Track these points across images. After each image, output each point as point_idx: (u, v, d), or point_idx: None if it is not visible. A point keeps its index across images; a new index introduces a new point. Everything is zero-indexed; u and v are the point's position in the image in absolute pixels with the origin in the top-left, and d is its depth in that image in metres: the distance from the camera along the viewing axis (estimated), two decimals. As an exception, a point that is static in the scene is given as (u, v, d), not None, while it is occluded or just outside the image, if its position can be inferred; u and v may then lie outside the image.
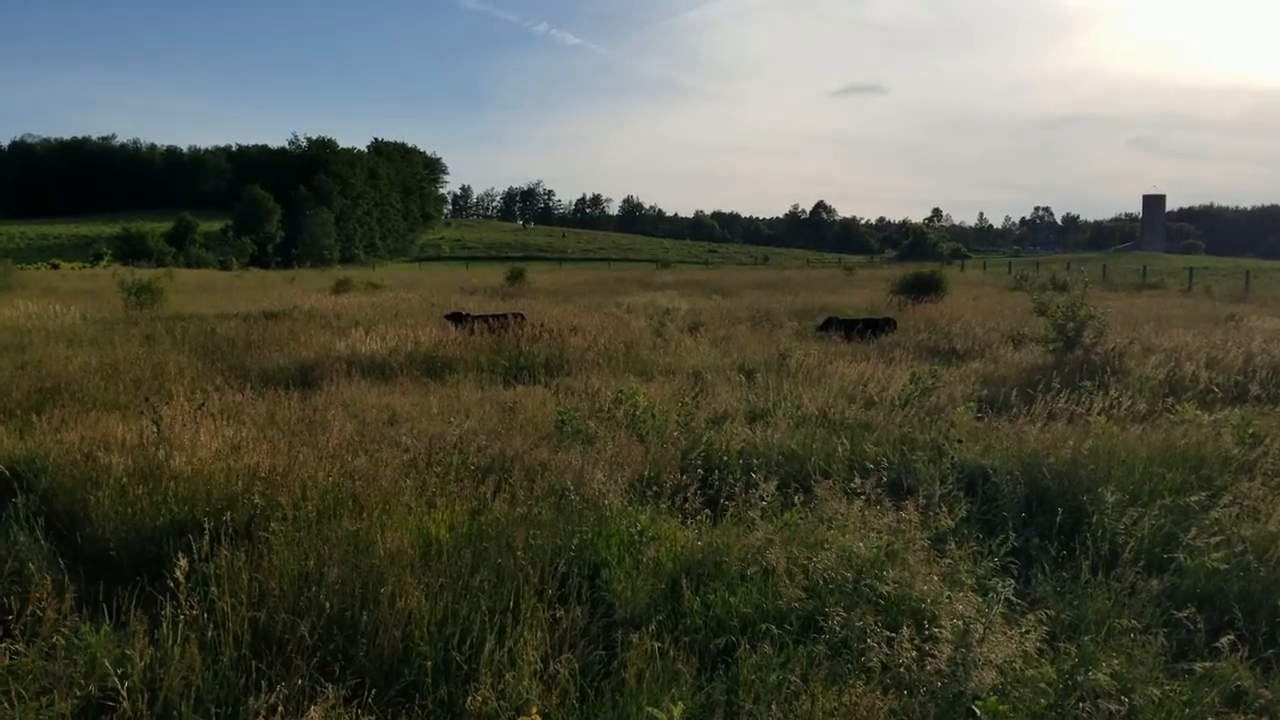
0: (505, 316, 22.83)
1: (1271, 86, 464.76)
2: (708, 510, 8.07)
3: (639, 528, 7.43)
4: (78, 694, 5.14)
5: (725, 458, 9.87)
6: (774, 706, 5.23)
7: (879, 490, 8.33)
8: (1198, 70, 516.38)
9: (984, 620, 5.78)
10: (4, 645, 5.47)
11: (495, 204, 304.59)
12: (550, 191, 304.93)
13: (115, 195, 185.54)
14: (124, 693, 5.00)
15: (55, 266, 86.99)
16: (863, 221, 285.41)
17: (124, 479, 8.17)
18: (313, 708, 4.89)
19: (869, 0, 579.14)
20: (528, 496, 8.18)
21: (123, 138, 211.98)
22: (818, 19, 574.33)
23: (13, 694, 5.03)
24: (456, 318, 22.97)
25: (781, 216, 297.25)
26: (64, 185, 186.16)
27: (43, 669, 5.33)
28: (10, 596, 6.15)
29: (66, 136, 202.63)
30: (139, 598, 6.11)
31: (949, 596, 6.28)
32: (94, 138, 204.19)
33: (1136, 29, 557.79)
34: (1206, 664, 5.86)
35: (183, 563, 5.96)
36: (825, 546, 7.07)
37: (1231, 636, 6.01)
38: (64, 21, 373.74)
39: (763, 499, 8.02)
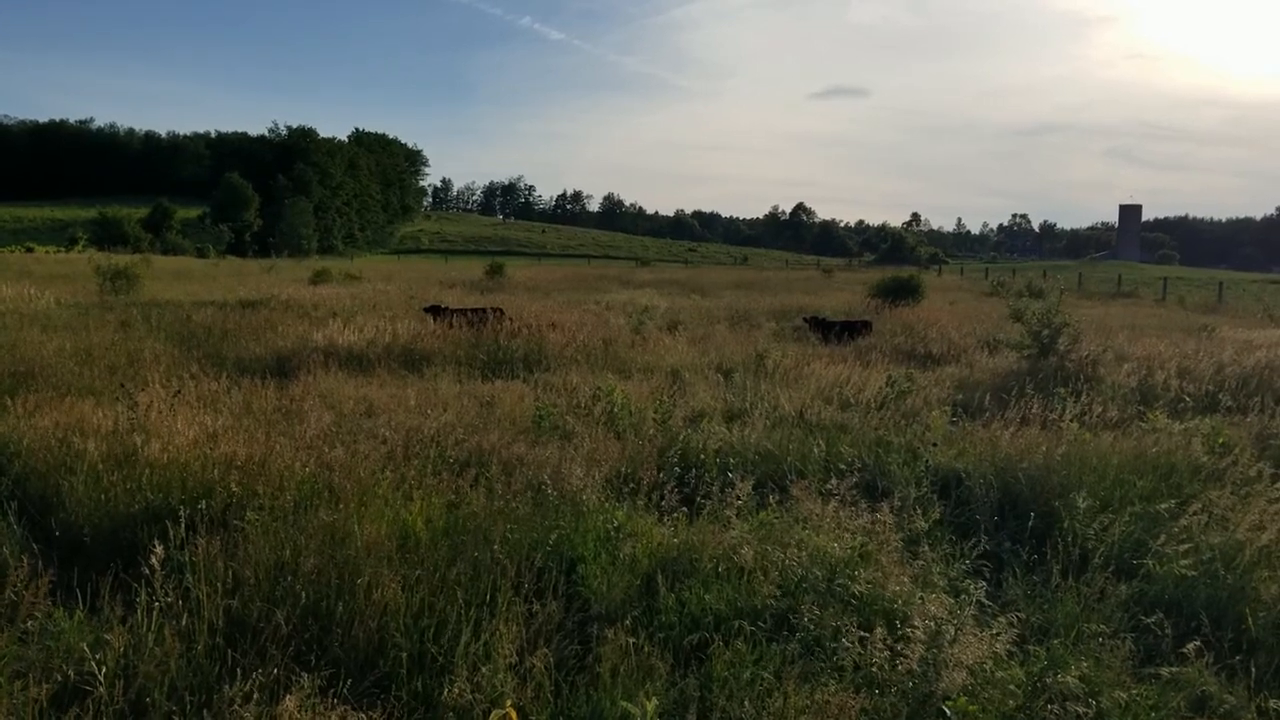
0: (484, 311, 22.74)
1: (1248, 99, 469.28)
2: (684, 508, 8.10)
3: (616, 524, 7.46)
4: (57, 679, 5.13)
5: (702, 456, 9.91)
6: (747, 703, 5.28)
7: (854, 491, 8.40)
8: (1176, 81, 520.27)
9: (955, 622, 5.85)
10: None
11: (475, 198, 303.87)
12: (531, 186, 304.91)
13: (92, 180, 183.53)
14: (100, 678, 5.00)
15: (30, 250, 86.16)
16: (842, 224, 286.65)
17: (99, 465, 8.14)
18: (288, 697, 4.90)
19: (853, 2, 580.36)
20: (505, 491, 8.20)
21: (100, 122, 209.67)
22: (801, 20, 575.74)
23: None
24: (435, 311, 22.84)
25: (761, 217, 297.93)
26: (40, 168, 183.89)
27: (17, 654, 5.32)
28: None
29: (43, 119, 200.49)
30: (113, 585, 6.09)
31: (921, 598, 6.35)
32: (71, 121, 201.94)
33: (1116, 38, 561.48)
34: (1173, 669, 5.95)
35: (158, 550, 5.96)
36: (800, 546, 7.11)
37: (1198, 642, 6.10)
38: (41, 3, 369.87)
39: (739, 498, 8.05)
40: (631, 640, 5.71)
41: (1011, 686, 5.52)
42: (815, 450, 10.12)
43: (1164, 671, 5.94)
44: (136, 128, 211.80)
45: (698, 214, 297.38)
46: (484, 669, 5.40)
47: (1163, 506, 8.28)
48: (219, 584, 6.03)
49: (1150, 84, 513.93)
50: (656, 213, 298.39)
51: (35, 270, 45.18)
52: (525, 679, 5.40)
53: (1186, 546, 7.46)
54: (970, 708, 5.18)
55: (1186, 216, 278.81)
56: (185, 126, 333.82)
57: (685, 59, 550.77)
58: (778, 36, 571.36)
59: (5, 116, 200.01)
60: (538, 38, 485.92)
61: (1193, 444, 10.46)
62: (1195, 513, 8.12)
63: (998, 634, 5.86)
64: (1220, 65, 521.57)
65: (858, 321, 24.44)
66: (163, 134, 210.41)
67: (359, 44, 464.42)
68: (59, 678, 5.17)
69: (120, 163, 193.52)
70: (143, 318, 22.25)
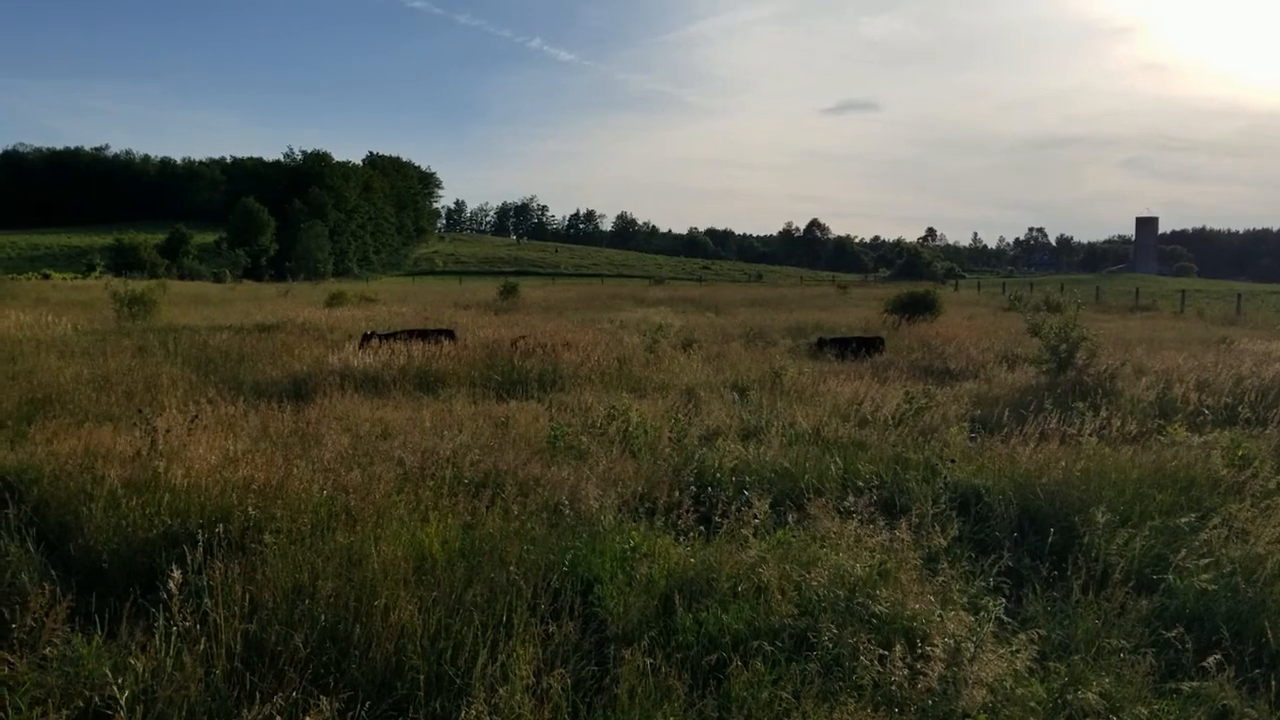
0: (431, 333, 22.28)
1: (1264, 108, 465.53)
2: (701, 527, 8.09)
3: (632, 544, 7.44)
4: (78, 704, 5.15)
5: (718, 475, 9.89)
6: (766, 723, 5.25)
7: (872, 509, 8.39)
8: (1191, 92, 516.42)
9: (975, 639, 5.82)
10: (-2, 655, 5.48)
11: (489, 218, 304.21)
12: (544, 206, 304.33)
13: (108, 206, 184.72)
14: (121, 704, 5.01)
15: (47, 277, 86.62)
16: (857, 240, 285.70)
17: (118, 490, 8.16)
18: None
19: (862, 17, 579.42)
20: (521, 512, 8.19)
21: (116, 148, 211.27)
22: (811, 35, 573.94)
23: (7, 705, 5.03)
24: (369, 338, 21.79)
25: (775, 234, 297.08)
26: (57, 195, 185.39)
27: (36, 680, 5.34)
28: (2, 608, 6.16)
29: (59, 146, 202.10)
30: (132, 609, 6.11)
31: (941, 615, 6.31)
32: (87, 148, 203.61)
33: (1130, 50, 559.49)
34: (1194, 683, 5.91)
35: (176, 574, 5.98)
36: (818, 564, 7.09)
37: (1219, 656, 6.06)
38: (58, 32, 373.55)
39: (756, 517, 8.04)
40: (649, 661, 5.69)
41: (1032, 704, 5.48)
42: (832, 468, 10.09)
43: (1185, 686, 5.90)
44: (152, 154, 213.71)
45: (711, 231, 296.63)
46: (501, 690, 5.39)
47: (1183, 520, 8.24)
48: (237, 608, 6.04)
49: (1166, 95, 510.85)
50: (670, 231, 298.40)
51: (52, 296, 45.46)
52: (543, 700, 5.38)
53: (1207, 560, 7.41)
54: (991, 726, 5.14)
55: (1204, 228, 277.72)
56: (201, 152, 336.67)
57: (695, 76, 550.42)
58: (788, 52, 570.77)
59: (21, 144, 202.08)
60: (548, 59, 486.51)
61: (1212, 457, 10.40)
62: (1215, 526, 8.08)
63: (1018, 651, 5.83)
64: (1235, 75, 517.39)
65: (870, 338, 24.39)
66: (178, 160, 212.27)
67: (372, 68, 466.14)
68: (80, 704, 5.19)
69: (136, 189, 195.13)
70: (160, 343, 22.35)
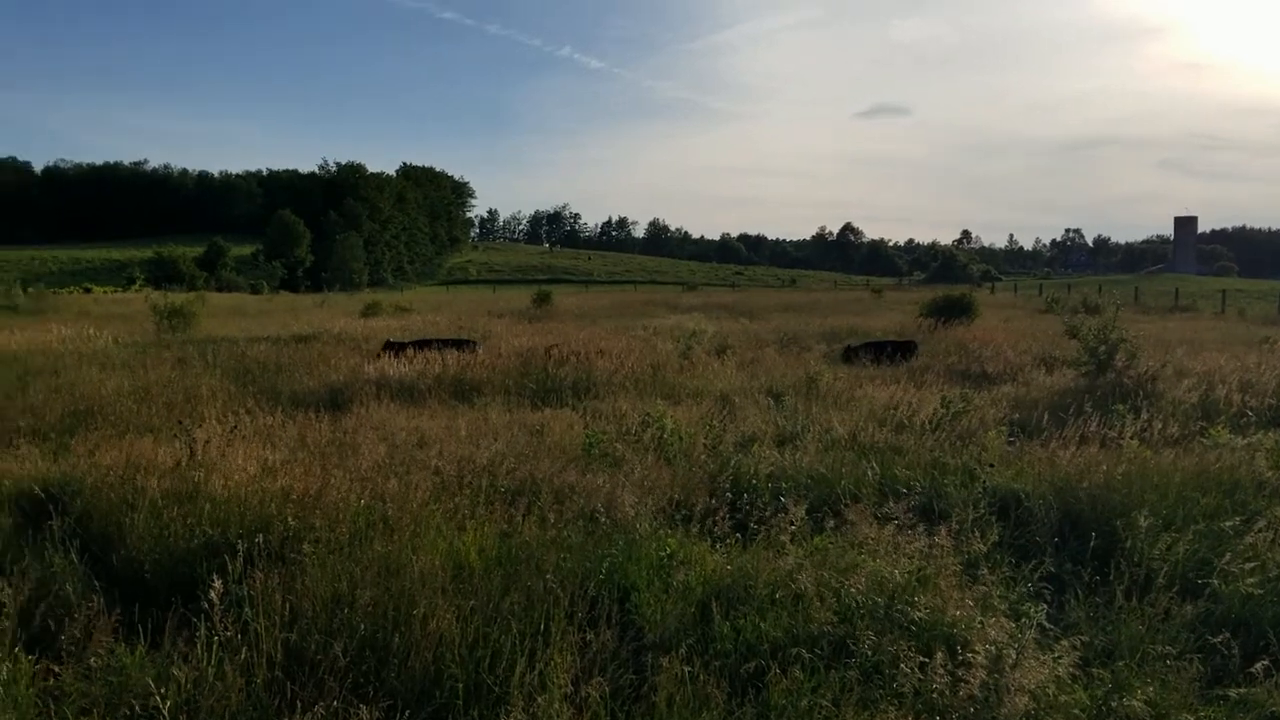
0: (453, 343, 22.48)
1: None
2: (737, 534, 8.07)
3: (668, 551, 7.43)
4: (124, 714, 5.20)
5: (754, 481, 9.87)
6: (805, 731, 5.22)
7: (910, 515, 8.32)
8: (1227, 90, 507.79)
9: (1017, 646, 5.76)
10: (42, 665, 5.55)
11: (522, 227, 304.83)
12: (576, 214, 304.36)
13: (147, 220, 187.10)
14: (165, 713, 5.05)
15: (88, 290, 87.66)
16: (891, 243, 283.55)
17: (159, 501, 8.25)
18: (346, 729, 4.92)
19: (892, 21, 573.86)
20: (557, 519, 8.21)
21: (154, 163, 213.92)
22: (841, 40, 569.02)
23: (53, 714, 5.09)
24: (392, 347, 22.29)
25: (808, 238, 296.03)
26: (96, 210, 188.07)
27: (83, 690, 5.40)
28: (48, 619, 6.24)
29: (99, 162, 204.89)
30: (174, 619, 6.17)
31: (982, 622, 6.25)
32: (126, 163, 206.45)
33: (1163, 50, 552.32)
34: (1241, 690, 5.82)
35: (217, 584, 6.04)
36: (856, 571, 7.05)
37: (1266, 662, 5.98)
38: (96, 49, 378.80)
39: (792, 523, 7.99)
40: (687, 669, 5.67)
41: (1076, 711, 5.43)
42: (869, 473, 10.04)
43: (1232, 692, 5.81)
44: (190, 168, 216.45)
45: (744, 237, 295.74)
46: (540, 699, 5.39)
47: (1227, 524, 8.12)
48: (277, 617, 6.08)
49: (1202, 94, 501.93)
50: (702, 237, 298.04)
51: (94, 310, 46.15)
52: (581, 709, 5.38)
53: (1252, 564, 7.31)
54: (1034, 734, 5.09)
55: (1244, 227, 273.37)
56: (237, 165, 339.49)
57: (725, 83, 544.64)
58: (818, 58, 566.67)
59: (62, 160, 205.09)
60: (577, 67, 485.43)
61: (1256, 459, 10.26)
62: (1261, 529, 7.96)
63: (1060, 657, 5.77)
64: (1268, 72, 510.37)
65: (904, 342, 24.22)
66: (215, 173, 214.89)
67: (404, 80, 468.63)
68: (125, 713, 5.25)
69: (175, 202, 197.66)
70: (199, 355, 22.59)
